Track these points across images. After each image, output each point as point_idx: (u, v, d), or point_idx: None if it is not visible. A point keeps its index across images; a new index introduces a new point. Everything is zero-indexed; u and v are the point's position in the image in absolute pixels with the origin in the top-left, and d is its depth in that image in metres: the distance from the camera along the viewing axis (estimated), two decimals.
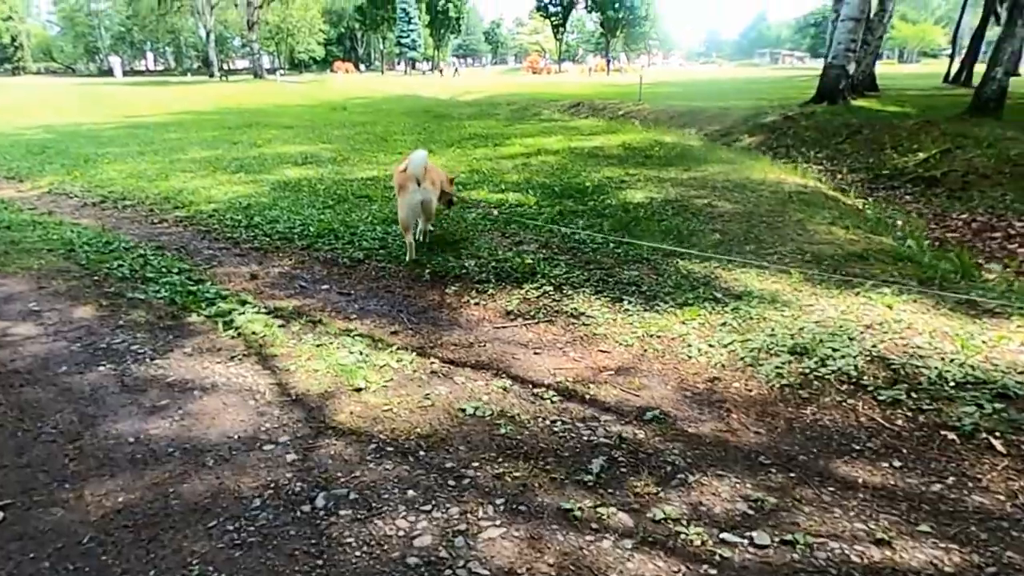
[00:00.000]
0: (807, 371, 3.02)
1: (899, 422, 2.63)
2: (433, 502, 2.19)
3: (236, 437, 2.57)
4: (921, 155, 11.00)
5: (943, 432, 2.54)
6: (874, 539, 1.99)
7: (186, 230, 5.80)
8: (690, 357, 3.24)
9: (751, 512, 2.13)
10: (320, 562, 1.93)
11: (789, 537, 2.00)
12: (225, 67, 68.11)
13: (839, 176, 10.92)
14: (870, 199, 8.35)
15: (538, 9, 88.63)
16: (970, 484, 2.25)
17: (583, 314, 3.80)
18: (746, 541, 2.00)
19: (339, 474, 2.33)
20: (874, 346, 3.22)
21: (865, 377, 2.94)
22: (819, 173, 10.23)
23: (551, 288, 4.19)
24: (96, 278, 4.45)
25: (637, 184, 7.45)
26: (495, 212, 6.11)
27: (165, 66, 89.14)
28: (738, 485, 2.25)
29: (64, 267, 4.69)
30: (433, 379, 3.06)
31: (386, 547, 1.98)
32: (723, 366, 3.15)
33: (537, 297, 4.09)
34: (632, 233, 5.29)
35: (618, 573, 1.89)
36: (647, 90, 23.54)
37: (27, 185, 8.10)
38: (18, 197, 7.40)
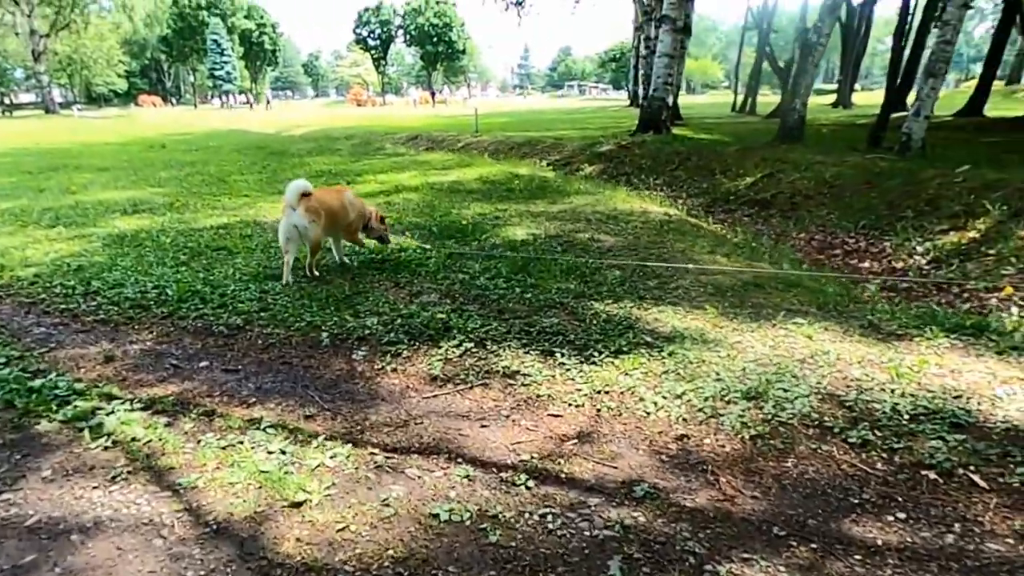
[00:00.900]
0: (769, 417, 2.95)
1: (879, 466, 2.59)
2: None
3: None
4: (749, 179, 11.95)
5: (924, 472, 2.53)
6: None
7: (1, 304, 4.75)
8: (648, 413, 3.05)
9: None
10: None
11: None
12: (7, 101, 60.21)
13: (680, 201, 11.54)
14: (725, 224, 8.82)
15: (357, 42, 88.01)
16: (976, 530, 2.22)
17: (518, 373, 3.50)
18: None
19: None
20: (819, 383, 3.23)
21: (826, 418, 2.92)
22: (663, 199, 10.72)
23: (472, 345, 3.84)
24: None
25: (512, 220, 7.31)
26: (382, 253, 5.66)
27: None
28: (770, 569, 2.06)
29: None
30: (382, 476, 2.59)
31: None
32: (685, 420, 2.99)
33: (460, 356, 3.73)
34: (532, 275, 5.09)
35: None
36: (471, 121, 23.92)
37: None
38: None
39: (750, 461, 2.67)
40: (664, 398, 3.16)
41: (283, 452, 2.71)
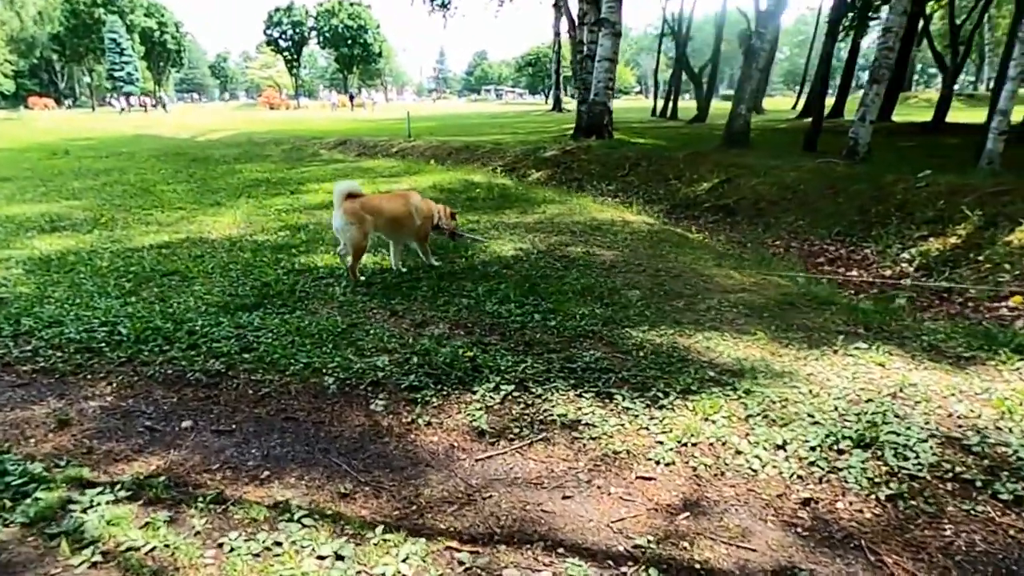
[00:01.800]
0: (895, 470, 2.55)
1: None
2: None
3: None
4: (706, 184, 11.83)
5: None
6: None
7: None
8: (755, 471, 2.60)
9: None
10: None
11: None
12: None
13: (638, 207, 11.29)
14: (705, 233, 8.55)
15: (268, 43, 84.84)
16: None
17: (579, 422, 2.98)
18: None
19: None
20: (926, 423, 2.87)
21: (959, 469, 2.54)
22: (638, 207, 10.42)
23: (512, 388, 3.29)
24: None
25: (491, 233, 6.77)
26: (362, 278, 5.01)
27: None
28: None
29: None
30: None
31: None
32: (801, 478, 2.55)
33: (502, 403, 3.17)
34: (544, 297, 4.58)
35: None
36: (400, 125, 23.19)
37: None
38: None
39: (903, 531, 2.26)
40: (764, 449, 2.72)
41: (339, 557, 2.09)
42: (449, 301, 4.55)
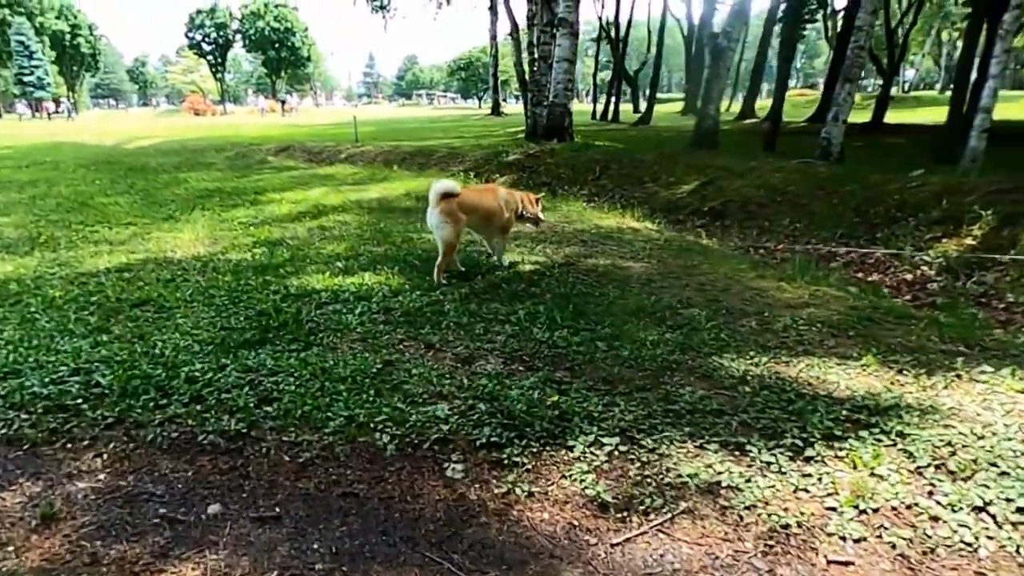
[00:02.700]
0: None
1: None
2: None
3: None
4: (686, 187, 11.49)
5: None
6: None
7: None
8: (967, 544, 2.08)
9: None
10: None
11: None
12: None
13: (616, 211, 10.85)
14: (714, 239, 8.10)
15: (190, 47, 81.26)
16: None
17: (719, 485, 2.40)
18: None
19: None
20: None
21: None
22: (638, 214, 9.93)
23: (615, 440, 2.69)
24: None
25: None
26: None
27: None
28: None
29: None
30: None
31: None
32: None
33: (611, 461, 2.57)
34: (596, 319, 4.00)
35: None
36: (340, 130, 22.26)
37: None
38: None
39: None
40: (967, 515, 2.21)
41: None
42: (488, 328, 3.91)
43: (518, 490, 2.41)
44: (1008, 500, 2.25)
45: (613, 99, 35.50)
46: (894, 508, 2.25)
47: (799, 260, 6.10)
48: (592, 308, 4.20)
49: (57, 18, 69.90)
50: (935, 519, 2.19)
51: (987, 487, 2.32)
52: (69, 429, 2.80)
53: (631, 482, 2.45)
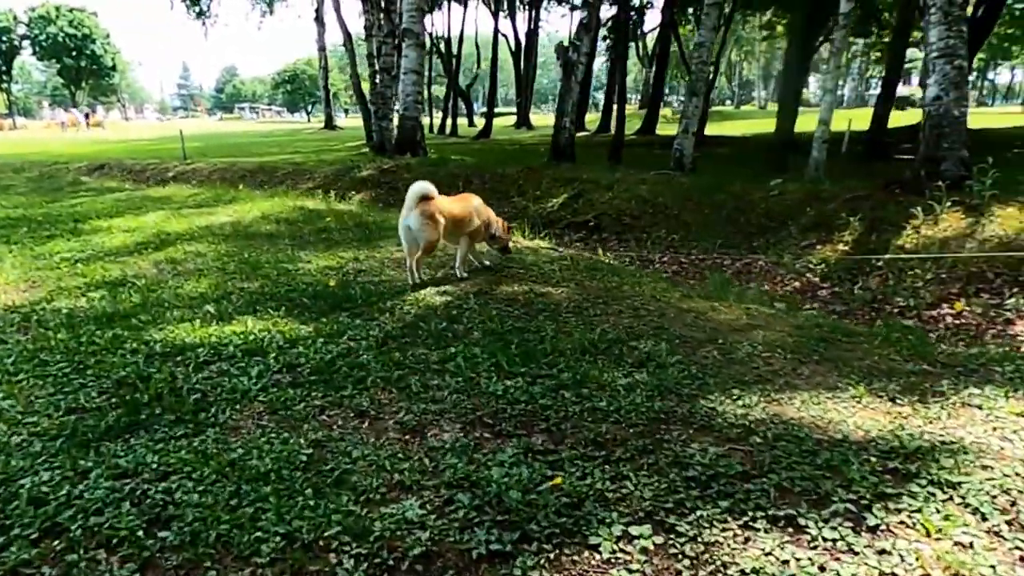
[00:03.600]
0: None
1: None
2: None
3: None
4: (555, 201, 11.35)
5: None
6: None
7: None
8: None
9: None
10: None
11: None
12: None
13: (520, 228, 10.46)
14: (609, 255, 7.83)
15: None
16: None
17: None
18: None
19: None
20: None
21: None
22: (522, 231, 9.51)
23: (646, 530, 2.15)
24: None
25: (389, 275, 5.41)
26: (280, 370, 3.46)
27: None
28: None
29: None
30: None
31: None
32: None
33: (650, 561, 2.03)
34: (547, 361, 3.46)
35: None
36: (162, 145, 20.11)
37: None
38: None
39: None
40: None
41: None
42: (425, 383, 3.23)
43: None
44: None
45: (453, 114, 35.37)
46: None
47: (716, 277, 5.94)
48: (536, 347, 3.64)
49: None
50: None
51: None
52: None
53: None
